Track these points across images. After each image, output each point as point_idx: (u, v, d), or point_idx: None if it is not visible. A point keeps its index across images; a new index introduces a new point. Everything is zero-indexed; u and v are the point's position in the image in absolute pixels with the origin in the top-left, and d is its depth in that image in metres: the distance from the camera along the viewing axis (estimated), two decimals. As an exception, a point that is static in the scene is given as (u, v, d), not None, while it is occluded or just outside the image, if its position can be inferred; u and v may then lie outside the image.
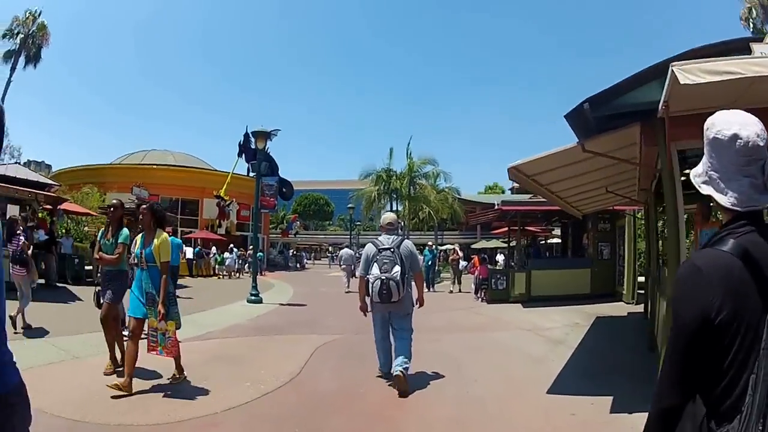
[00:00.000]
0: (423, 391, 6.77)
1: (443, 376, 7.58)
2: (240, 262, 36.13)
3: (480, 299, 18.70)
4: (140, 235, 6.67)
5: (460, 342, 10.59)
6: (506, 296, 17.98)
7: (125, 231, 7.12)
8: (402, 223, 41.42)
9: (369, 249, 7.07)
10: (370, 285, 6.72)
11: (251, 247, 44.10)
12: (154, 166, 45.10)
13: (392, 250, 6.78)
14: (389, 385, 6.89)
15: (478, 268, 19.18)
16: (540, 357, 9.07)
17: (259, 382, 6.94)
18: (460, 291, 21.52)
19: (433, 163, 40.66)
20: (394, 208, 40.15)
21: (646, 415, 1.68)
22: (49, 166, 62.54)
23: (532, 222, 24.47)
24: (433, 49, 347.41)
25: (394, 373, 6.66)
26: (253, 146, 44.35)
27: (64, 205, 24.17)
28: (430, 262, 22.71)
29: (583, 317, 13.41)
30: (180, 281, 19.66)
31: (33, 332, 9.37)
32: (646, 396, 4.68)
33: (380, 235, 7.33)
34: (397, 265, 6.65)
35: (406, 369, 6.73)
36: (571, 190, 9.55)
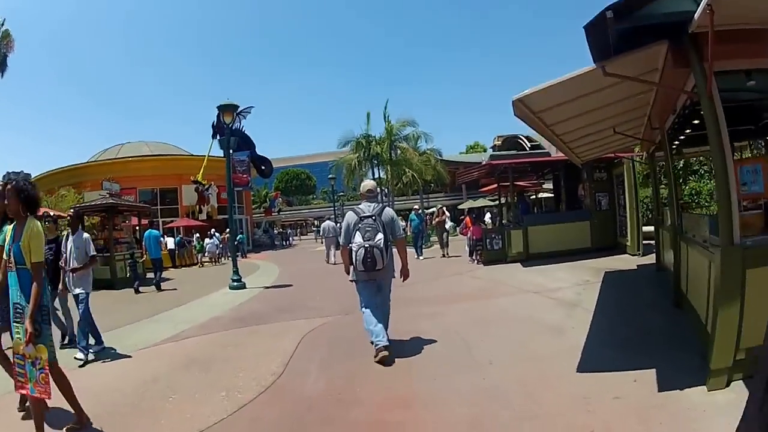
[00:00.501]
0: (431, 385, 5.70)
1: (452, 361, 6.49)
2: (222, 246, 34.84)
3: (475, 261, 17.66)
4: (11, 225, 4.91)
5: (463, 314, 9.47)
6: (503, 256, 17.05)
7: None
8: (387, 189, 40.40)
9: (350, 217, 6.98)
10: (354, 253, 6.69)
11: (241, 231, 44.09)
12: (130, 158, 44.04)
13: (374, 217, 6.77)
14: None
15: (471, 228, 18.10)
16: (557, 325, 7.94)
17: (236, 390, 5.88)
18: (447, 255, 20.34)
19: (412, 124, 39.55)
20: (376, 175, 38.94)
21: (702, 390, 0.87)
22: (28, 175, 60.53)
23: (521, 177, 23.43)
24: (406, 15, 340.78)
25: (377, 346, 6.62)
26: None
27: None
28: (419, 228, 21.95)
29: (591, 273, 12.53)
30: (164, 273, 19.36)
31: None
32: (691, 365, 4.55)
33: (361, 203, 7.20)
34: (379, 233, 6.67)
35: (388, 342, 6.74)
36: (577, 132, 8.42)
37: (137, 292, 16.70)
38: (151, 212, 27.18)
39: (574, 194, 19.94)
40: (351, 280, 7.13)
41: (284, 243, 53.26)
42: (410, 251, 17.78)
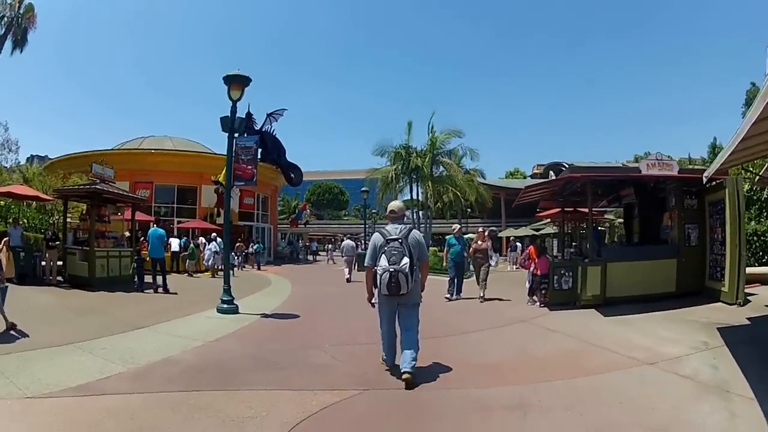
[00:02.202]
0: None
1: None
2: (238, 256, 32.31)
3: (537, 303, 13.75)
4: None
5: (564, 409, 5.65)
6: (573, 298, 13.29)
7: None
8: (424, 209, 36.70)
9: (376, 239, 6.90)
10: (379, 277, 6.56)
11: (257, 238, 40.73)
12: (152, 151, 41.05)
13: (400, 240, 6.64)
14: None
15: (536, 260, 14.15)
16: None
17: None
18: (483, 298, 14.86)
19: (459, 134, 35.49)
20: (415, 191, 35.25)
21: None
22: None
23: (582, 202, 19.65)
24: (442, 39, 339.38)
25: (403, 371, 6.41)
26: (257, 127, 40.31)
27: (6, 189, 20.87)
28: (460, 256, 16.14)
29: (699, 330, 9.43)
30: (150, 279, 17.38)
31: None
32: None
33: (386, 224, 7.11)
34: (405, 257, 6.51)
35: (414, 367, 6.48)
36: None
37: (141, 290, 16.37)
38: (144, 202, 23.88)
39: (650, 225, 16.17)
40: (372, 303, 7.07)
41: (308, 257, 49.85)
42: (440, 286, 15.57)
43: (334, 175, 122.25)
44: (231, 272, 25.72)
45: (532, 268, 14.15)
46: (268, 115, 36.72)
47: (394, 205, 7.42)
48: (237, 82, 12.75)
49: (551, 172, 58.13)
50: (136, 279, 17.52)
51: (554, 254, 20.12)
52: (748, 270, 12.42)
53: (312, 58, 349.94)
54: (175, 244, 25.02)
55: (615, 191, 17.59)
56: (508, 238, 50.41)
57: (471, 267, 16.80)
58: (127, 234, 21.49)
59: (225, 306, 12.08)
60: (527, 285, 14.44)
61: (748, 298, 11.77)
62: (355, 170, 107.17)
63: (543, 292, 13.68)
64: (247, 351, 8.33)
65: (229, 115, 12.81)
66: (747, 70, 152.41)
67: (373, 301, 7.00)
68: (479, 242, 15.86)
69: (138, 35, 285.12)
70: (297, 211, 60.36)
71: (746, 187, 13.57)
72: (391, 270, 6.43)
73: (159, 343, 8.66)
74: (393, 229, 6.80)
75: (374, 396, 5.98)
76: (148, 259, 18.13)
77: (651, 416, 5.35)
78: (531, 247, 15.03)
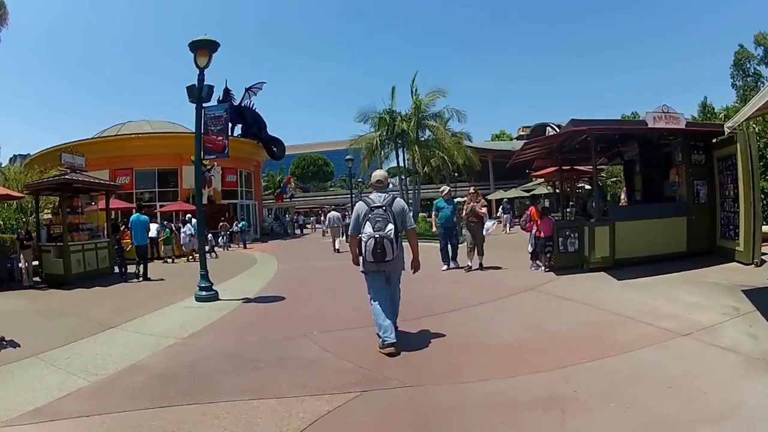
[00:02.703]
0: None
1: None
2: (223, 236, 31.45)
3: (542, 268, 12.77)
4: None
5: (601, 399, 4.73)
6: (580, 261, 12.44)
7: None
8: (411, 175, 35.56)
9: (360, 207, 6.88)
10: (363, 244, 6.59)
11: (241, 216, 39.52)
12: (130, 136, 39.81)
13: (384, 208, 6.68)
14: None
15: (538, 222, 13.12)
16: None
17: None
18: (482, 267, 13.70)
19: (443, 94, 34.11)
20: (401, 157, 34.02)
21: None
22: (34, 159, 57.69)
23: (582, 160, 18.65)
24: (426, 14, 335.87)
25: (386, 342, 6.48)
26: (236, 102, 38.82)
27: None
28: (450, 221, 14.52)
29: (727, 294, 8.53)
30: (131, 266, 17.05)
31: None
32: None
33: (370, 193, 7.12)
34: (390, 223, 6.58)
35: (397, 335, 6.63)
36: None
37: (124, 280, 16.03)
38: (118, 189, 22.55)
39: (653, 181, 15.43)
40: (361, 271, 6.92)
41: (295, 231, 48.78)
42: (432, 254, 14.29)
43: (318, 147, 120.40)
44: (212, 254, 25.12)
45: (534, 231, 13.16)
46: (247, 90, 35.10)
47: (378, 174, 7.41)
48: (203, 48, 11.47)
49: (547, 131, 57.24)
50: (117, 269, 17.15)
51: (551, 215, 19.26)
52: (757, 230, 11.95)
53: (295, 36, 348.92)
54: (153, 229, 23.43)
55: (617, 146, 16.56)
56: (498, 200, 49.71)
57: (464, 232, 14.59)
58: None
59: (203, 293, 11.06)
60: (529, 249, 13.44)
61: (763, 258, 11.05)
62: (340, 141, 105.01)
63: (548, 255, 12.72)
64: (225, 347, 7.29)
65: (196, 84, 11.66)
66: (731, 38, 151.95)
67: (360, 269, 6.94)
68: (472, 204, 13.86)
69: (122, 18, 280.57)
70: (282, 185, 58.91)
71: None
72: (376, 236, 6.48)
73: (128, 346, 7.63)
74: (377, 197, 6.85)
75: (374, 399, 4.98)
76: (128, 248, 17.72)
77: (705, 403, 4.49)
78: (532, 208, 13.82)
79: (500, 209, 44.21)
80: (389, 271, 6.95)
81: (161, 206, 36.77)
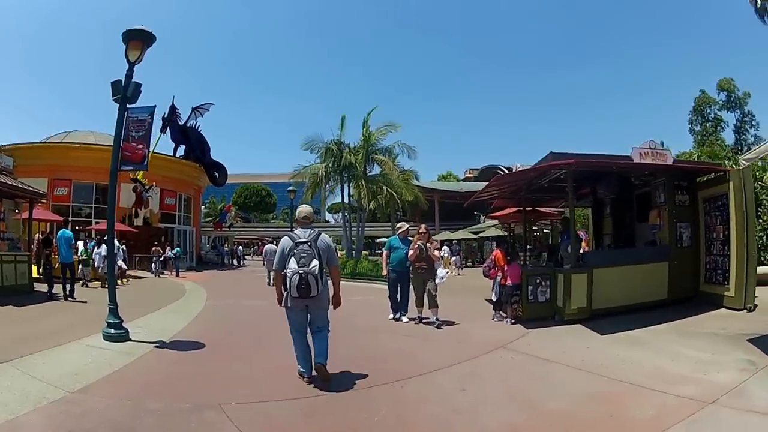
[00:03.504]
0: None
1: None
2: (154, 262, 29.66)
3: (508, 319, 11.19)
4: None
5: None
6: (551, 312, 11.09)
7: None
8: (357, 210, 33.94)
9: (285, 242, 6.88)
10: (288, 279, 6.53)
11: (177, 243, 37.18)
12: (72, 145, 37.77)
13: (309, 243, 6.67)
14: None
15: (505, 268, 11.56)
16: None
17: None
18: (438, 322, 10.94)
19: (395, 128, 32.39)
20: (346, 192, 32.32)
21: None
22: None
23: (544, 201, 17.73)
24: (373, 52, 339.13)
25: (315, 364, 6.66)
26: (181, 121, 36.66)
27: None
28: (403, 263, 12.00)
29: (733, 346, 7.89)
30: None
31: None
32: None
33: (296, 229, 7.16)
34: (315, 259, 6.55)
35: (326, 359, 6.68)
36: None
37: (51, 298, 14.79)
38: (41, 197, 20.22)
39: (623, 226, 14.81)
40: (283, 306, 6.84)
41: (233, 262, 46.61)
42: (381, 297, 13.60)
43: (262, 178, 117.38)
44: (122, 280, 22.95)
45: (499, 278, 11.63)
46: (194, 109, 32.53)
47: (304, 209, 7.38)
48: (137, 39, 9.67)
49: (504, 172, 56.65)
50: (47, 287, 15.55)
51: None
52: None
53: (250, 67, 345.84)
54: (81, 246, 21.20)
55: (590, 186, 15.43)
56: (444, 240, 48.47)
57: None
58: (38, 236, 19.32)
59: (111, 332, 9.12)
60: (493, 297, 11.87)
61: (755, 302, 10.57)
62: (284, 173, 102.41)
63: (514, 305, 11.23)
64: (117, 416, 5.43)
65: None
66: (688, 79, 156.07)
67: (283, 304, 6.85)
68: (421, 244, 11.43)
69: (100, 40, 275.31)
70: (221, 212, 56.66)
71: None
72: (300, 272, 6.45)
73: (11, 392, 6.12)
74: (302, 233, 6.86)
75: None
76: (56, 265, 16.14)
77: None
78: (497, 252, 12.14)
79: (445, 249, 42.99)
80: (313, 308, 6.82)
81: (96, 223, 34.24)
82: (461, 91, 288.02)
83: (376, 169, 32.70)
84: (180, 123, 29.12)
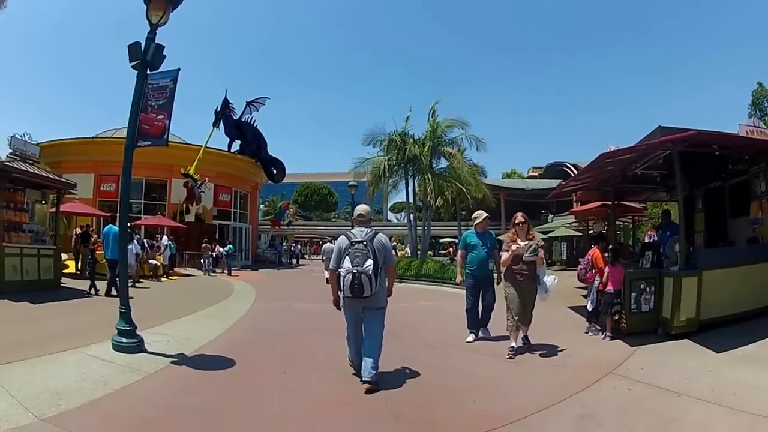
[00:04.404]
0: None
1: None
2: (206, 259, 28.41)
3: (604, 333, 9.13)
4: None
5: None
6: (653, 324, 9.07)
7: None
8: (423, 206, 31.54)
9: (341, 241, 6.70)
10: (342, 279, 6.37)
11: (228, 239, 35.84)
12: (112, 139, 35.77)
13: (365, 243, 6.46)
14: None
15: (606, 270, 9.40)
16: None
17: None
18: (527, 342, 8.29)
19: (463, 125, 29.78)
20: (410, 186, 29.87)
21: None
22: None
23: (629, 194, 15.43)
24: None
25: (364, 380, 6.24)
26: (236, 116, 35.11)
27: None
28: (483, 264, 9.27)
29: None
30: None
31: None
32: None
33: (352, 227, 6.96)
34: (369, 259, 6.34)
35: (375, 375, 6.24)
36: None
37: (93, 293, 14.27)
38: (70, 187, 18.89)
39: (717, 222, 13.02)
40: (338, 307, 6.72)
41: (290, 262, 45.28)
42: (456, 305, 10.96)
43: (323, 177, 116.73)
44: (131, 281, 21.62)
45: (597, 283, 9.59)
46: (248, 104, 30.99)
47: (362, 208, 7.24)
48: (158, -3, 8.07)
49: (573, 172, 54.37)
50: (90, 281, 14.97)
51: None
52: None
53: (302, 66, 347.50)
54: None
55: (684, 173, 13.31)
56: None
57: (505, 291, 8.40)
58: (78, 231, 19.36)
59: (122, 341, 7.54)
60: (589, 306, 9.80)
61: None
62: (345, 173, 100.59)
63: (616, 317, 9.14)
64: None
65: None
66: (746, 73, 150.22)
67: (339, 304, 6.69)
68: (519, 244, 8.08)
69: (127, 39, 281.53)
70: (280, 209, 55.53)
71: None
72: (354, 271, 6.24)
73: None
74: (359, 232, 6.64)
75: None
76: (102, 261, 15.57)
77: None
78: (595, 251, 9.99)
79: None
80: (367, 307, 6.59)
81: (144, 218, 33.71)
82: (525, 82, 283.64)
83: (442, 164, 30.37)
84: (234, 118, 27.32)
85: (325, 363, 7.29)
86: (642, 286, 9.16)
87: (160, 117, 8.10)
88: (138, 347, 7.56)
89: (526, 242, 8.09)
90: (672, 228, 11.34)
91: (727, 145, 9.90)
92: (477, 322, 9.36)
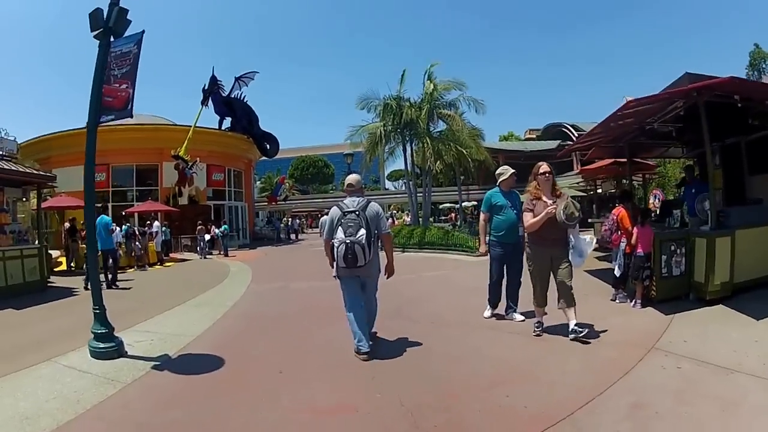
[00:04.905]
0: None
1: None
2: (200, 242, 27.66)
3: (636, 301, 8.26)
4: None
5: None
6: (684, 289, 8.33)
7: None
8: (428, 171, 30.08)
9: (333, 212, 6.73)
10: (335, 249, 6.41)
11: (223, 219, 34.71)
12: (107, 127, 34.27)
13: (357, 212, 6.47)
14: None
15: (634, 231, 8.50)
16: None
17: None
18: (584, 332, 6.41)
19: (460, 86, 28.23)
20: (408, 152, 28.49)
21: None
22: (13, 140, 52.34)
23: (643, 150, 14.37)
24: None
25: (360, 351, 6.36)
26: (225, 93, 33.88)
27: None
28: (512, 228, 7.94)
29: None
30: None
31: None
32: None
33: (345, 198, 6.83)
34: (362, 228, 6.36)
35: (370, 348, 6.37)
36: None
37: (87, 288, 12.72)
38: (50, 180, 17.77)
39: (735, 177, 11.86)
40: (334, 276, 6.70)
41: (289, 237, 44.41)
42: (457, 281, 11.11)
43: (319, 150, 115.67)
44: (158, 266, 21.16)
45: (623, 245, 8.77)
46: (237, 79, 29.84)
47: (351, 178, 7.06)
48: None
49: (569, 133, 53.57)
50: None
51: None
52: None
53: (297, 45, 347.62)
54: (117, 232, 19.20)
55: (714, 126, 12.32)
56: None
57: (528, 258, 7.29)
58: (66, 225, 18.62)
59: (99, 346, 6.70)
60: (616, 271, 8.89)
61: None
62: (340, 144, 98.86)
63: (646, 282, 8.30)
64: None
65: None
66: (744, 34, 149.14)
67: (333, 274, 6.70)
68: (546, 200, 6.90)
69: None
70: (276, 185, 54.36)
71: None
72: (347, 242, 6.28)
73: None
74: (351, 202, 6.63)
75: None
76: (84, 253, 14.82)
77: None
78: (621, 210, 9.05)
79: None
80: (363, 277, 6.65)
81: (136, 206, 32.02)
82: (522, 53, 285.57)
83: (440, 127, 29.11)
84: (223, 95, 26.00)
85: (326, 355, 6.54)
86: (673, 248, 8.32)
87: (124, 86, 7.10)
88: (117, 351, 6.73)
89: (554, 200, 6.80)
90: (698, 185, 10.40)
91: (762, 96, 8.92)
92: (498, 296, 8.25)
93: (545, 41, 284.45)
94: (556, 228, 6.71)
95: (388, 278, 6.87)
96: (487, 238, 8.18)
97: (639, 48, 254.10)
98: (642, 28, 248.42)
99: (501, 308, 8.22)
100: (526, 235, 7.35)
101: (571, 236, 6.96)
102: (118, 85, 7.10)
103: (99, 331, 6.76)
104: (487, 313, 8.24)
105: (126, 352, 6.83)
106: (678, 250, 8.34)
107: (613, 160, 15.98)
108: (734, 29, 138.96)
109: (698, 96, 8.09)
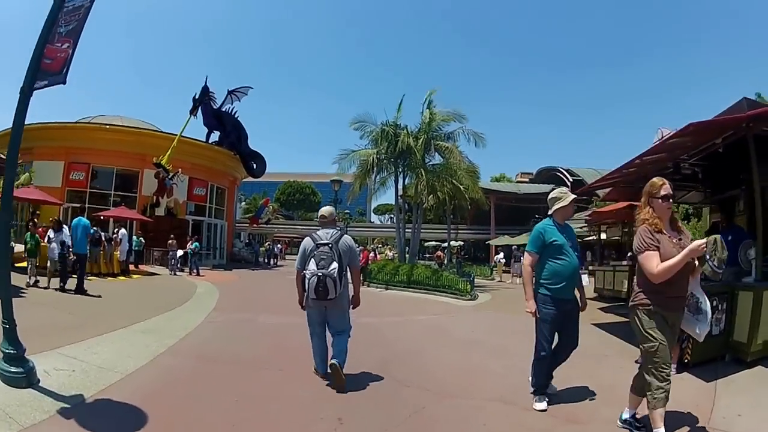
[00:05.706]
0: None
1: None
2: (171, 258, 26.25)
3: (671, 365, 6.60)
4: None
5: None
6: (722, 348, 7.37)
7: None
8: (420, 204, 28.23)
9: (306, 243, 6.59)
10: (307, 281, 6.30)
11: (194, 236, 32.11)
12: (90, 125, 35.39)
13: (330, 245, 6.36)
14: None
15: None
16: None
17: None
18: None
19: (461, 119, 27.20)
20: (401, 183, 27.38)
21: None
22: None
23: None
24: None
25: (330, 362, 6.24)
26: (216, 105, 32.55)
27: None
28: (573, 276, 5.79)
29: None
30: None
31: None
32: None
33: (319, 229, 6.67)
34: (334, 262, 6.27)
35: (343, 361, 6.30)
36: None
37: (63, 290, 14.00)
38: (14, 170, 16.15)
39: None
40: (302, 307, 6.65)
41: (267, 262, 43.03)
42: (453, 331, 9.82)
43: (308, 177, 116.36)
44: (121, 277, 19.65)
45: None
46: (230, 92, 28.18)
47: (325, 210, 6.99)
48: None
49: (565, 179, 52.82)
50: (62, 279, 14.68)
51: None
52: None
53: (302, 68, 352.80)
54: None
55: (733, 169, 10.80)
56: (500, 246, 44.14)
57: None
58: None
59: (9, 370, 5.33)
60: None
61: None
62: (330, 173, 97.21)
63: (684, 344, 6.99)
64: None
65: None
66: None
67: (302, 305, 6.67)
68: (668, 235, 4.62)
69: (131, 32, 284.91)
70: (260, 206, 52.84)
71: None
72: (319, 274, 6.21)
73: None
74: (324, 234, 6.54)
75: None
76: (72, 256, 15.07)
77: None
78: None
79: (500, 255, 38.35)
80: (331, 309, 6.54)
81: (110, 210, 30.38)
82: (502, 94, 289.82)
83: (435, 160, 27.98)
84: (214, 107, 24.35)
85: (278, 413, 5.18)
86: (714, 304, 6.92)
87: (65, 46, 5.70)
88: (26, 380, 5.34)
89: (679, 237, 4.70)
90: (735, 232, 9.05)
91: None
92: (551, 376, 6.07)
93: (539, 85, 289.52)
94: (686, 280, 4.67)
95: (353, 309, 6.81)
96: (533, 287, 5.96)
97: (637, 99, 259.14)
98: (642, 78, 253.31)
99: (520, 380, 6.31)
100: (637, 290, 4.76)
101: (695, 293, 4.87)
102: (60, 45, 5.70)
103: (8, 351, 5.39)
104: (542, 405, 5.64)
105: (38, 381, 5.44)
106: (719, 306, 7.18)
107: (629, 203, 14.80)
108: (735, 81, 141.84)
109: (751, 126, 7.04)
